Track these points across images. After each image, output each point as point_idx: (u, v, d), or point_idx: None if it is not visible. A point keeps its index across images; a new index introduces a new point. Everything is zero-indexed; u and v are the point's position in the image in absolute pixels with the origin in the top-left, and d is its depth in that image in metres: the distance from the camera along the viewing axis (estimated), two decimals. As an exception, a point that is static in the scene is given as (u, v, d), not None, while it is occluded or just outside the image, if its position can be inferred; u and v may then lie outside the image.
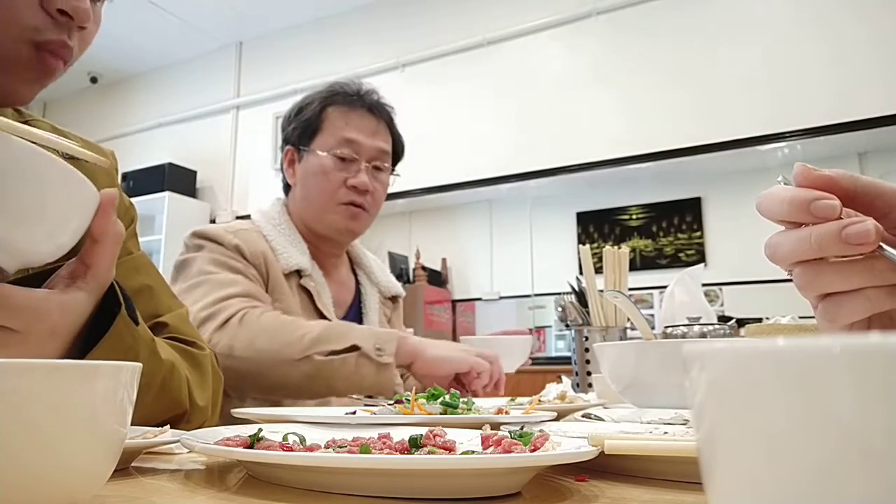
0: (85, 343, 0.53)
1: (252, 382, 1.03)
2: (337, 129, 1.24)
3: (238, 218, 3.37)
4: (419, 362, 1.07)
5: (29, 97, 0.62)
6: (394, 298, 1.42)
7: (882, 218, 0.39)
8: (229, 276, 1.10)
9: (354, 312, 1.34)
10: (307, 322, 1.06)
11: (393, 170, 1.33)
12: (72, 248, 0.49)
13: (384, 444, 0.44)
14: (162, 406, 0.66)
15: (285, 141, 1.30)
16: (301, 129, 1.27)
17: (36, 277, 0.51)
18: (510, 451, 0.42)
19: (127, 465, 0.49)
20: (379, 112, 1.29)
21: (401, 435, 0.47)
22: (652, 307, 3.81)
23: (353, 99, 1.27)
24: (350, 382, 1.01)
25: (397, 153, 1.34)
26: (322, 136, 1.25)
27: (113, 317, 0.55)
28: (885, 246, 0.38)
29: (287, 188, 1.33)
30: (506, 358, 1.22)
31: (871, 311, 0.40)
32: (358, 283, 1.38)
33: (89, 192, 0.48)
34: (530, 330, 1.22)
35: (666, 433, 0.53)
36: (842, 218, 0.38)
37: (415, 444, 0.43)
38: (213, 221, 4.45)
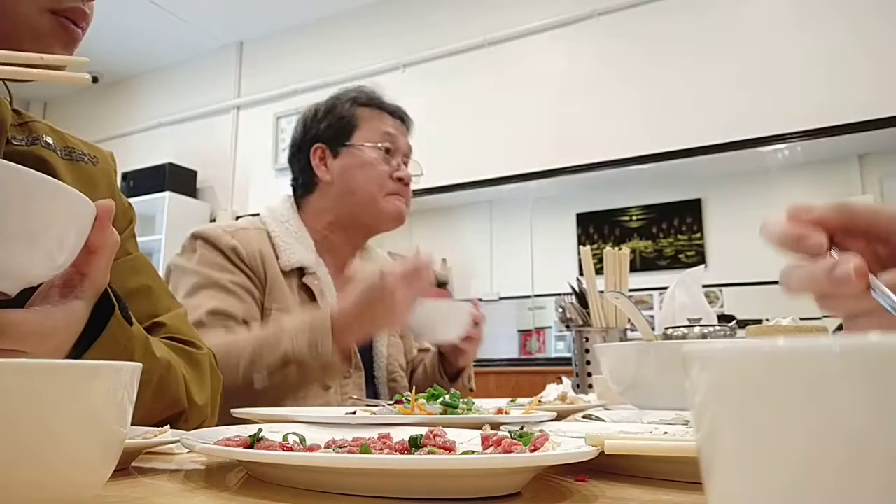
0: (78, 344, 0.53)
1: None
2: (376, 125, 1.30)
3: (239, 217, 3.36)
4: (349, 336, 1.03)
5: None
6: None
7: (883, 243, 0.41)
8: (209, 293, 1.09)
9: None
10: (239, 339, 1.02)
11: None
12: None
13: (384, 444, 0.44)
14: (159, 405, 0.66)
15: (313, 140, 1.31)
16: (337, 127, 1.29)
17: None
18: (510, 451, 0.42)
19: (127, 465, 0.49)
20: (403, 116, 1.36)
21: (401, 435, 0.47)
22: (652, 308, 3.81)
23: (380, 101, 1.33)
24: (299, 386, 1.04)
25: None
26: (361, 132, 1.29)
27: (106, 317, 0.55)
28: (876, 289, 0.39)
29: (303, 186, 1.32)
30: (444, 326, 1.21)
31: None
32: None
33: (84, 207, 0.46)
34: (474, 301, 1.14)
35: (666, 433, 0.53)
36: (830, 253, 0.41)
37: (415, 444, 0.43)
38: (213, 221, 4.45)
